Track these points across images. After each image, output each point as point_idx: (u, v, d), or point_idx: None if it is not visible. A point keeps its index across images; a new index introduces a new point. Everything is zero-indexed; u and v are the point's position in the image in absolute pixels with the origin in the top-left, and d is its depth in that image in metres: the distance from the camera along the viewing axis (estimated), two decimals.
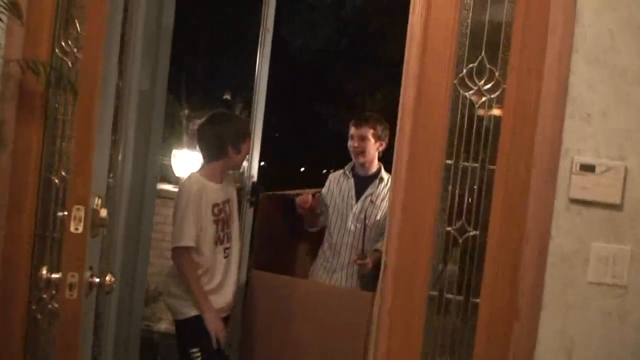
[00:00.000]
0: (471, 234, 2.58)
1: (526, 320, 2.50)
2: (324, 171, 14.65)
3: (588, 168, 2.46)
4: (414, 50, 2.60)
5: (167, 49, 3.19)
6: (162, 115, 3.24)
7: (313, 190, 4.31)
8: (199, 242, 3.29)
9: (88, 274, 2.07)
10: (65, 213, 1.98)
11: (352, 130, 4.06)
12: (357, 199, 4.08)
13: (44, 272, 2.11)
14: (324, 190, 4.24)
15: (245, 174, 4.13)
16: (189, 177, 3.42)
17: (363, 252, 3.90)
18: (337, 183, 4.18)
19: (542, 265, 2.49)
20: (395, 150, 2.69)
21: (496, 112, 2.55)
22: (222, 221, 3.42)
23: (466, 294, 2.61)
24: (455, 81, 2.56)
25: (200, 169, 3.47)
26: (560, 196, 2.49)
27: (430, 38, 2.56)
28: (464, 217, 2.59)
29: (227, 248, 3.46)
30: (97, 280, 2.13)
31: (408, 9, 2.62)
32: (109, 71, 2.13)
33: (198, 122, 3.81)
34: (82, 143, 2.04)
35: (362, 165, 4.10)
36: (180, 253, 3.26)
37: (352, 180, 4.13)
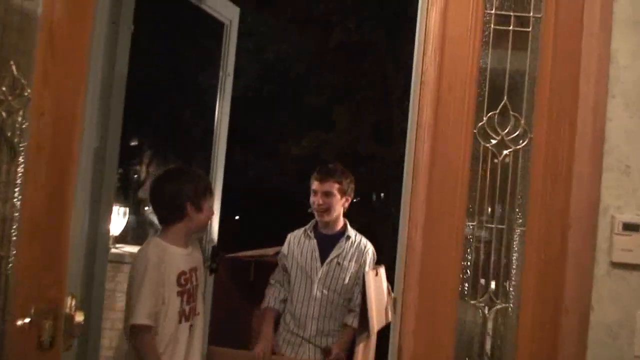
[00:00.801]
0: (500, 307, 2.21)
1: None
2: (236, 217, 14.20)
3: (631, 227, 2.15)
4: (427, 98, 2.26)
5: (120, 98, 2.72)
6: (114, 171, 2.75)
7: (274, 250, 3.89)
8: (158, 319, 2.79)
9: None
10: (22, 321, 1.47)
11: (315, 185, 3.66)
12: (323, 261, 3.67)
13: None
14: (283, 251, 3.81)
15: (205, 237, 3.66)
16: (148, 242, 2.94)
17: (326, 349, 3.49)
18: (298, 244, 3.76)
19: (583, 341, 2.15)
20: (404, 215, 2.32)
21: (523, 165, 2.21)
22: (187, 293, 2.93)
23: None
24: (474, 130, 2.21)
25: (161, 233, 2.98)
26: (601, 260, 2.17)
27: (446, 83, 2.21)
28: (490, 289, 2.21)
29: (191, 325, 2.96)
30: None
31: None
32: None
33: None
34: (54, 215, 1.55)
35: (327, 224, 3.70)
36: (137, 332, 2.75)
37: (314, 241, 3.72)
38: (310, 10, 10.75)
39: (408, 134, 2.36)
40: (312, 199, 3.68)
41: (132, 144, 10.51)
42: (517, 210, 2.22)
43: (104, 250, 2.82)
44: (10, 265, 2.00)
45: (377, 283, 3.56)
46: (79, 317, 1.58)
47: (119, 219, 6.05)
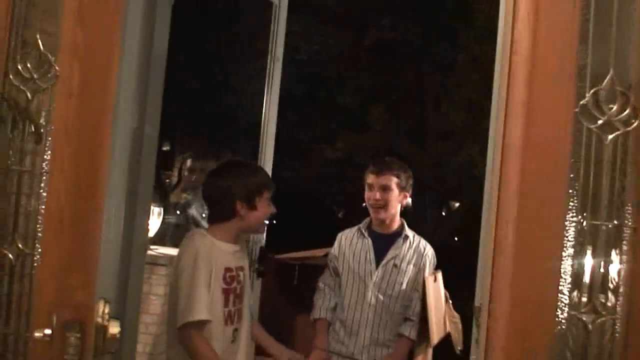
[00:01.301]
0: (605, 319, 1.85)
1: None
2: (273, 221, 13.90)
3: None
4: (517, 68, 1.91)
5: (160, 77, 2.41)
6: (153, 160, 2.44)
7: (323, 251, 3.57)
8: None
9: None
10: (42, 333, 1.16)
11: (371, 178, 3.33)
12: (378, 263, 3.33)
13: None
14: (333, 252, 3.48)
15: (252, 238, 3.35)
16: (192, 233, 2.64)
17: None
18: (350, 244, 3.42)
19: None
20: (489, 208, 1.98)
21: (635, 151, 1.86)
22: (233, 293, 2.63)
23: None
24: (576, 110, 1.86)
25: (208, 228, 2.68)
26: None
27: (541, 51, 1.87)
28: (594, 298, 1.86)
29: (235, 329, 2.65)
30: None
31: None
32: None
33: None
34: (84, 208, 1.25)
35: (382, 222, 3.37)
36: (192, 331, 2.44)
37: (369, 241, 3.38)
38: (344, 9, 10.45)
39: (493, 112, 2.03)
40: (367, 194, 3.35)
41: (164, 148, 10.28)
42: (627, 206, 1.87)
43: (141, 249, 2.51)
44: (36, 264, 1.71)
45: (436, 289, 3.23)
46: (114, 329, 1.27)
47: (153, 219, 5.78)
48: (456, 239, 11.14)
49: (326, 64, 10.63)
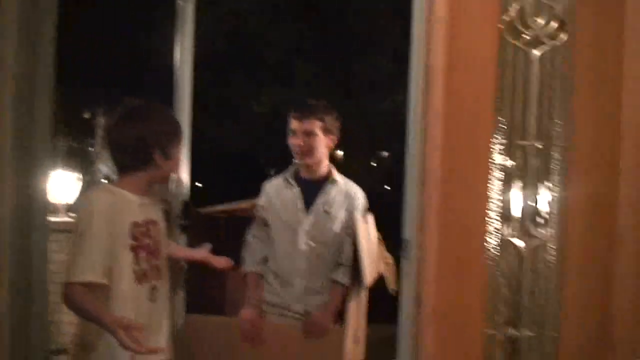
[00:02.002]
0: (539, 242, 1.80)
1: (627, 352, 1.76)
2: (199, 184, 13.71)
3: None
4: None
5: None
6: (48, 111, 2.24)
7: (248, 203, 3.44)
8: (110, 277, 2.31)
9: None
10: None
11: (294, 124, 3.16)
12: (308, 211, 3.22)
13: None
14: (260, 203, 3.34)
15: (173, 192, 3.18)
16: (92, 189, 2.44)
17: (307, 313, 3.05)
18: (278, 194, 3.29)
19: None
20: (414, 134, 1.88)
21: (563, 65, 1.79)
22: (146, 249, 2.44)
23: (540, 327, 1.83)
24: (500, 25, 1.77)
25: (116, 180, 2.49)
26: None
27: None
28: (527, 221, 1.80)
29: (153, 287, 2.48)
30: None
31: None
32: None
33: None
34: None
35: (309, 167, 3.23)
36: (75, 293, 2.25)
37: (296, 189, 3.25)
38: None
39: (413, 31, 1.91)
40: (290, 140, 3.19)
41: (85, 116, 9.90)
42: (557, 122, 1.80)
43: (42, 213, 2.35)
44: None
45: (367, 231, 3.14)
46: None
47: (72, 185, 5.54)
48: (388, 187, 11.18)
49: (247, 19, 10.37)
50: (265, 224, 3.26)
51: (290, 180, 3.24)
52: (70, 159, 8.17)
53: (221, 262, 2.99)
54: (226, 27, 10.34)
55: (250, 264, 3.22)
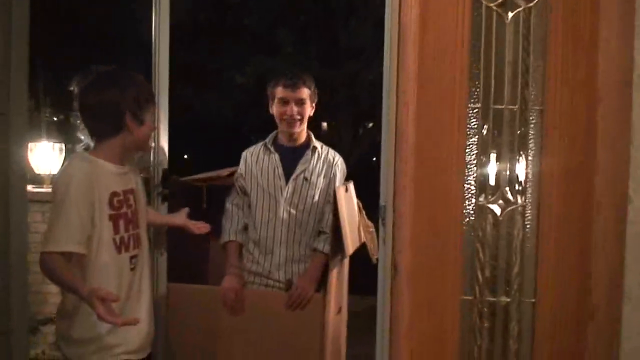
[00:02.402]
0: (515, 207, 1.78)
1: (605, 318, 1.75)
2: (185, 156, 13.59)
3: None
4: None
5: None
6: (24, 80, 2.20)
7: (228, 170, 3.39)
8: (89, 247, 2.28)
9: None
10: None
11: (285, 93, 3.15)
12: (288, 178, 3.20)
13: None
14: (239, 171, 3.32)
15: (152, 160, 3.14)
16: (73, 156, 2.39)
17: (289, 281, 3.05)
18: (257, 161, 3.26)
19: (621, 239, 1.74)
20: (388, 97, 1.85)
21: (536, 29, 1.76)
22: (124, 218, 2.42)
23: (517, 293, 1.82)
24: None
25: (92, 149, 2.44)
26: (638, 140, 1.74)
27: None
28: (503, 186, 1.78)
29: (133, 256, 2.45)
30: None
31: None
32: None
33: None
34: None
35: (291, 135, 3.21)
36: (52, 262, 2.23)
37: (276, 156, 3.23)
38: None
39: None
40: (280, 109, 3.17)
41: (70, 88, 9.71)
42: (531, 85, 1.77)
43: (20, 184, 2.31)
44: None
45: (348, 200, 3.12)
46: None
47: (54, 155, 5.48)
48: (374, 159, 11.14)
49: None
50: (244, 192, 3.24)
51: (270, 147, 3.23)
52: (55, 130, 8.11)
53: (199, 227, 2.98)
54: None
55: (229, 233, 3.21)
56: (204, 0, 10.32)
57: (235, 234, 3.21)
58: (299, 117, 3.12)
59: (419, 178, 1.76)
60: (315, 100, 3.22)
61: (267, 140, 3.27)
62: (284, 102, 3.13)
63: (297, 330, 2.93)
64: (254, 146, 3.34)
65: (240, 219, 3.25)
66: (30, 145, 5.42)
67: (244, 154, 3.33)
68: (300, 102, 3.12)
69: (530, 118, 1.77)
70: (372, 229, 3.32)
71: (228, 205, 3.28)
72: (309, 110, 3.18)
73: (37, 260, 2.35)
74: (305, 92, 3.12)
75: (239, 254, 3.22)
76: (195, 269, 3.62)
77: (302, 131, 3.20)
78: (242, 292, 3.04)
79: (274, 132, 3.27)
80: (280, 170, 3.19)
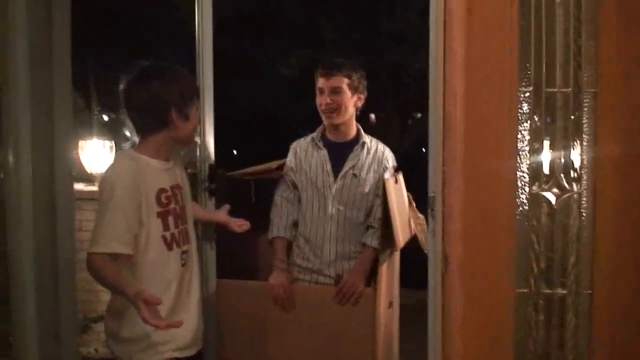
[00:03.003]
0: (570, 194, 1.71)
1: None
2: (234, 152, 13.64)
3: None
4: None
5: None
6: (68, 79, 2.21)
7: (277, 163, 3.36)
8: (137, 245, 2.28)
9: None
10: None
11: (321, 82, 3.08)
12: (336, 175, 3.14)
13: None
14: (288, 164, 3.27)
15: (198, 155, 3.12)
16: (119, 154, 2.39)
17: (338, 276, 3.00)
18: (306, 156, 3.21)
19: None
20: (434, 86, 1.79)
21: (590, 5, 1.67)
22: (173, 214, 2.40)
23: (573, 285, 1.75)
24: None
25: (137, 145, 2.43)
26: None
27: None
28: (557, 173, 1.71)
29: (184, 252, 2.44)
30: None
31: None
32: None
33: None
34: None
35: (336, 128, 3.14)
36: (98, 263, 2.22)
37: (324, 152, 3.17)
38: None
39: None
40: (318, 99, 3.11)
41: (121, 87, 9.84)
42: (584, 67, 1.69)
43: (67, 187, 2.32)
44: None
45: (398, 192, 3.06)
46: None
47: (105, 154, 5.54)
48: (424, 150, 11.01)
49: None
50: (294, 186, 3.20)
51: (318, 142, 3.17)
52: (105, 128, 8.21)
53: (240, 224, 2.95)
54: None
55: (278, 229, 3.17)
56: None
57: (284, 230, 3.17)
58: (334, 106, 3.03)
59: (468, 167, 1.70)
60: (362, 91, 3.12)
61: (314, 134, 3.21)
62: (321, 91, 3.07)
63: (348, 326, 2.89)
64: (302, 139, 3.28)
65: (290, 214, 3.20)
66: (81, 143, 5.48)
67: (293, 145, 3.28)
68: (336, 91, 3.02)
69: (585, 101, 1.69)
70: (423, 222, 3.26)
71: (277, 198, 3.23)
72: (350, 100, 3.05)
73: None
74: (341, 80, 3.02)
75: (287, 250, 3.19)
76: (244, 264, 3.60)
77: (346, 124, 3.12)
78: (290, 289, 3.01)
79: (321, 125, 3.21)
80: (329, 166, 3.12)
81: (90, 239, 2.28)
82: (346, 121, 3.11)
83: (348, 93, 3.05)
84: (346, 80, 3.04)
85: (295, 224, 3.21)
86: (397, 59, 10.07)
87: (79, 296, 4.45)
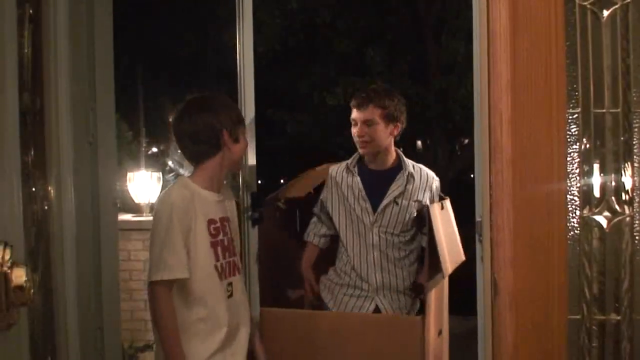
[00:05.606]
0: (622, 217, 1.66)
1: None
2: (282, 180, 13.72)
3: None
4: None
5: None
6: (111, 108, 2.25)
7: (316, 170, 3.39)
8: (190, 276, 2.30)
9: None
10: None
11: (354, 113, 3.06)
12: (373, 201, 3.10)
13: None
14: (324, 194, 3.26)
15: (241, 184, 3.15)
16: (171, 186, 2.43)
17: (415, 284, 3.01)
18: (341, 181, 3.19)
19: None
20: (480, 109, 1.77)
21: (636, 25, 1.64)
22: (221, 245, 2.43)
23: (627, 310, 1.69)
24: None
25: (191, 173, 2.48)
26: None
27: None
28: (608, 197, 1.66)
29: (229, 284, 2.46)
30: None
31: None
32: None
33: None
34: None
35: (374, 156, 3.12)
36: (158, 291, 2.25)
37: (357, 178, 3.14)
38: None
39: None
40: (352, 130, 3.10)
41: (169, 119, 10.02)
42: (633, 87, 1.65)
43: (111, 216, 2.35)
44: None
45: (444, 217, 3.03)
46: (19, 276, 1.07)
47: (152, 184, 5.60)
48: (472, 176, 10.88)
49: (317, 11, 10.27)
50: (327, 214, 3.20)
51: (352, 169, 3.14)
52: (153, 160, 8.34)
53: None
54: (297, 19, 10.32)
55: (312, 235, 3.24)
56: (294, 25, 10.41)
57: (318, 238, 3.23)
58: (367, 138, 2.99)
59: (516, 191, 1.67)
60: (399, 118, 3.06)
61: (348, 161, 3.19)
62: (354, 123, 3.05)
63: (396, 355, 2.84)
64: (337, 165, 3.27)
65: (322, 228, 3.25)
66: (129, 175, 5.57)
67: (330, 171, 3.27)
68: (368, 123, 2.98)
69: (635, 121, 1.65)
70: None
71: (316, 210, 3.29)
72: (384, 132, 3.00)
73: (138, 288, 2.39)
74: (374, 112, 2.96)
75: (313, 257, 3.24)
76: (286, 294, 3.59)
77: (383, 152, 3.08)
78: (317, 288, 3.19)
79: (356, 153, 3.18)
80: (364, 193, 3.10)
81: (143, 268, 2.31)
82: (383, 150, 3.06)
83: (381, 124, 2.99)
84: (379, 112, 2.98)
85: (325, 236, 3.24)
86: (443, 86, 10.04)
87: (127, 325, 4.49)
